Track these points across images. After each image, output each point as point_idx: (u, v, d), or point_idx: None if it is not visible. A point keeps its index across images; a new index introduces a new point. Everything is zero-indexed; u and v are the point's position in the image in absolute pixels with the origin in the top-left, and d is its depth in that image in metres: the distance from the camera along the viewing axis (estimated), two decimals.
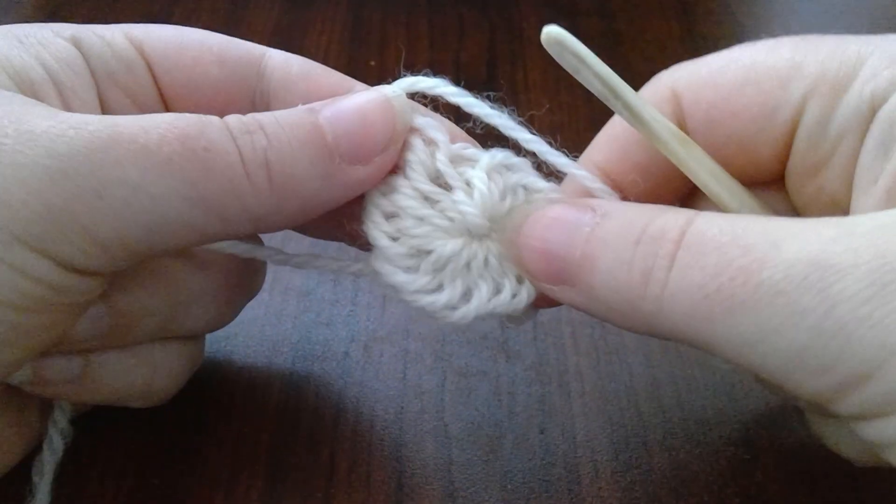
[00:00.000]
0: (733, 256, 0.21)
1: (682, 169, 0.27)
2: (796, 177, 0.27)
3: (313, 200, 0.25)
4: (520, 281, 0.27)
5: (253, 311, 0.37)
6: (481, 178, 0.26)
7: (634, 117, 0.26)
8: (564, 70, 0.25)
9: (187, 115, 0.24)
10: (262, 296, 0.37)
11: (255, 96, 0.29)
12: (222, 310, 0.32)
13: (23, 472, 0.30)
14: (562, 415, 0.34)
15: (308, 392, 0.35)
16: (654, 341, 0.37)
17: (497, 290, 0.27)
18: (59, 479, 0.30)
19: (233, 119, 0.24)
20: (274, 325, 0.37)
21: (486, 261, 0.27)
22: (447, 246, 0.26)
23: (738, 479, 0.32)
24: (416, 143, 0.27)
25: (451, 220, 0.26)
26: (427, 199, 0.27)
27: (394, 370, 0.36)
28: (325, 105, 0.26)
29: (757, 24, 0.60)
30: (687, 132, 0.28)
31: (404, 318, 0.38)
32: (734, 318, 0.21)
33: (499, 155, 0.27)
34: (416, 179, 0.27)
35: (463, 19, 0.59)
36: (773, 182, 0.28)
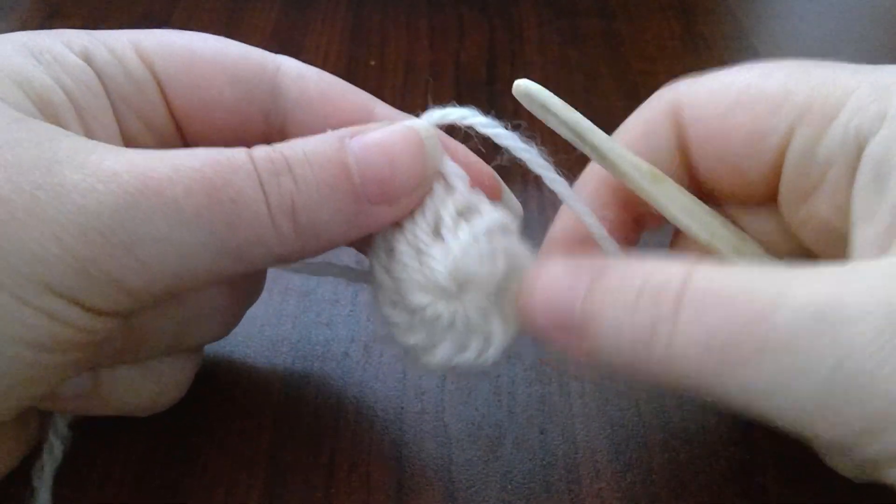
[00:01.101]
0: (738, 308, 0.21)
1: (651, 204, 0.27)
2: (788, 200, 0.27)
3: (336, 240, 0.26)
4: (487, 341, 0.27)
5: (253, 311, 0.37)
6: (464, 240, 0.26)
7: (602, 159, 0.27)
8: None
9: (214, 156, 0.23)
10: (263, 296, 0.37)
11: (269, 116, 0.29)
12: (227, 321, 0.32)
13: (22, 474, 0.29)
14: (562, 415, 0.34)
15: (308, 392, 0.35)
16: None
17: (462, 349, 0.27)
18: (59, 481, 0.30)
19: (261, 157, 0.24)
20: (274, 325, 0.37)
21: (451, 322, 0.27)
22: (415, 298, 0.26)
23: (738, 479, 0.32)
24: (437, 187, 0.27)
25: (425, 276, 0.26)
26: (418, 248, 0.27)
27: (394, 370, 0.36)
28: (354, 135, 0.25)
29: (757, 24, 0.60)
30: (688, 146, 0.28)
31: None
32: (744, 371, 0.21)
33: (500, 218, 0.27)
34: (419, 225, 0.27)
35: (463, 19, 0.59)
36: (767, 202, 0.28)
